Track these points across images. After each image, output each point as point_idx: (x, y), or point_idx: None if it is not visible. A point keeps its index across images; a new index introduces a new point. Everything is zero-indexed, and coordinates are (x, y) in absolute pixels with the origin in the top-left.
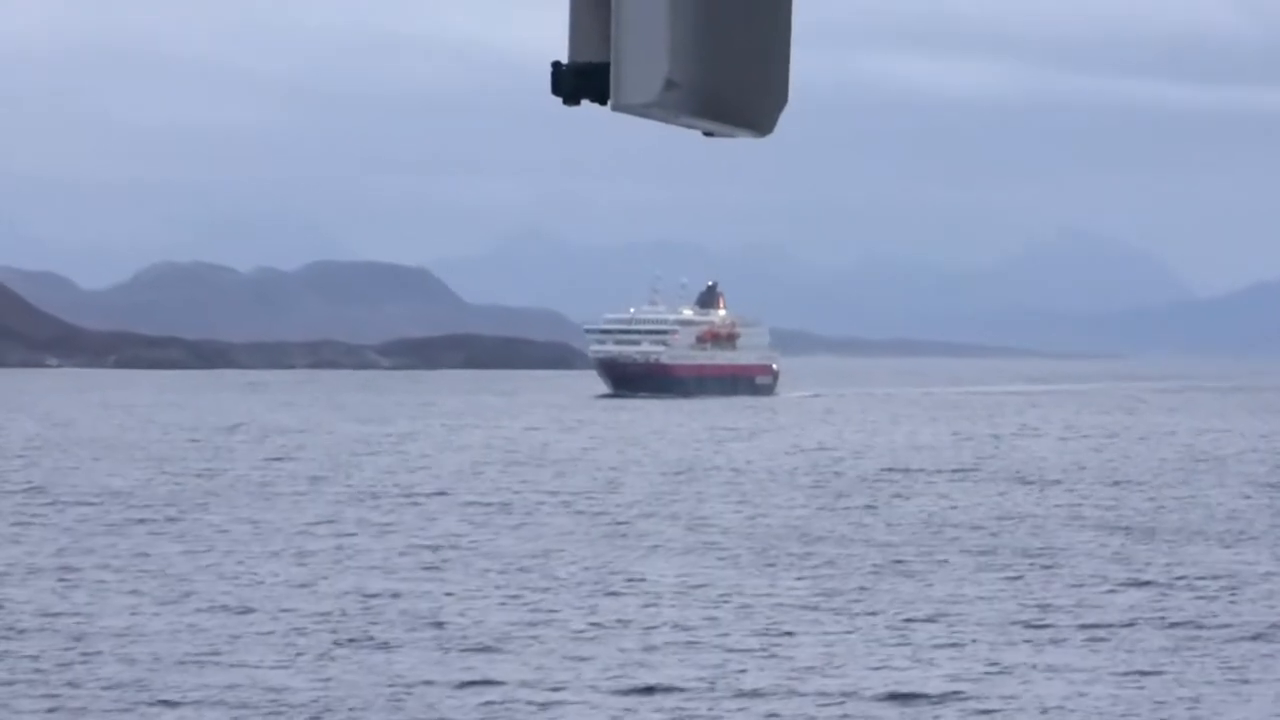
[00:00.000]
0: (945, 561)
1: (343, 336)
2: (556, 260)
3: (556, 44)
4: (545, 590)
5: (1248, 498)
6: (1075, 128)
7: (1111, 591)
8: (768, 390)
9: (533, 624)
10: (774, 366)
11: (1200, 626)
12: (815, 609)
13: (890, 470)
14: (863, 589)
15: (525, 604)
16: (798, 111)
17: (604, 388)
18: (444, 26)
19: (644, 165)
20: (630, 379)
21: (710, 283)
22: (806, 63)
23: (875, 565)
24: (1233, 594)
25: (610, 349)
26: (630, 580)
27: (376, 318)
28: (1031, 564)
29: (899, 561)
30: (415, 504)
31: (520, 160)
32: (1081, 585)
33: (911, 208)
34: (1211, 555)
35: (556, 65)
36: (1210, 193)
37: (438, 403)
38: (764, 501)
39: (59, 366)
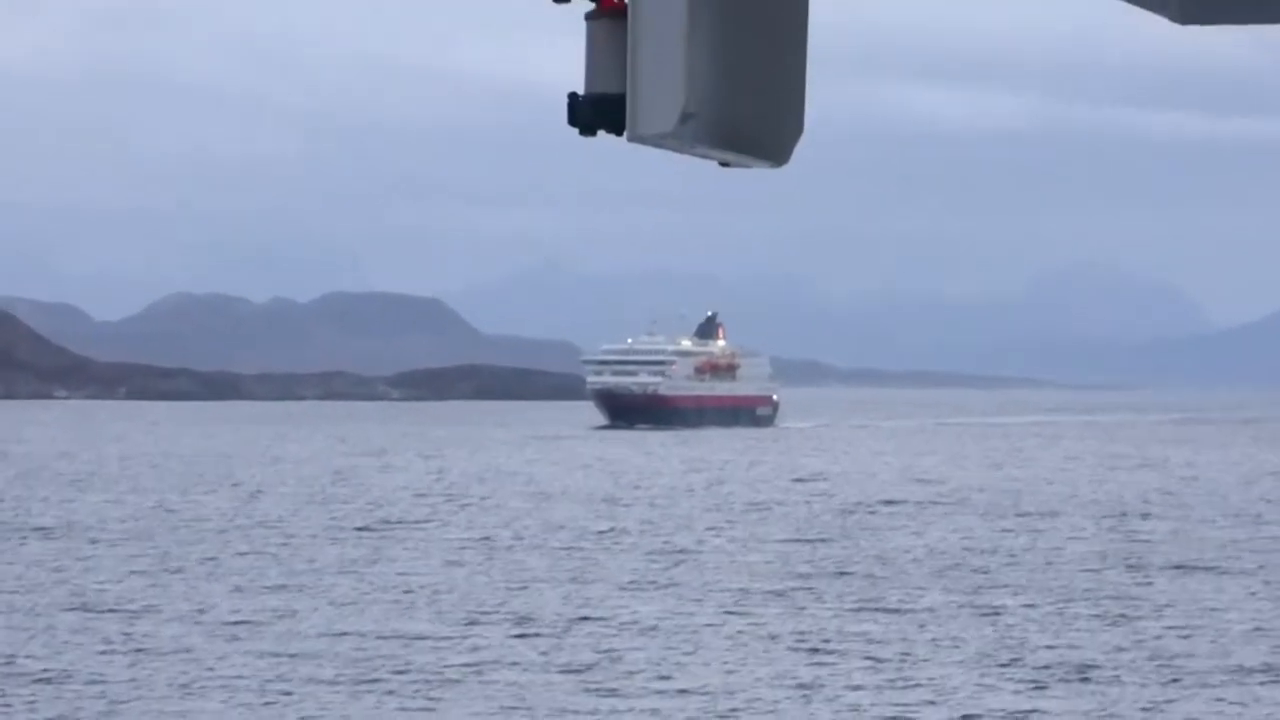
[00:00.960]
0: (921, 598)
1: (356, 367)
2: (572, 291)
3: (574, 75)
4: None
5: (1237, 530)
6: (1093, 159)
7: (1093, 629)
8: (768, 421)
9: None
10: (774, 397)
11: (1184, 664)
12: (784, 646)
13: (875, 503)
14: (834, 628)
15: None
16: (815, 142)
17: (602, 419)
18: (461, 58)
19: (660, 196)
20: (628, 410)
21: (710, 313)
22: (826, 93)
23: (847, 601)
24: (1219, 632)
25: (608, 380)
26: (515, 615)
27: (390, 349)
28: (1014, 600)
29: (869, 600)
30: (337, 538)
31: (537, 191)
32: (1066, 623)
33: (929, 239)
34: (1199, 590)
35: (573, 96)
36: (1228, 223)
37: (427, 434)
38: (728, 535)
39: (68, 398)
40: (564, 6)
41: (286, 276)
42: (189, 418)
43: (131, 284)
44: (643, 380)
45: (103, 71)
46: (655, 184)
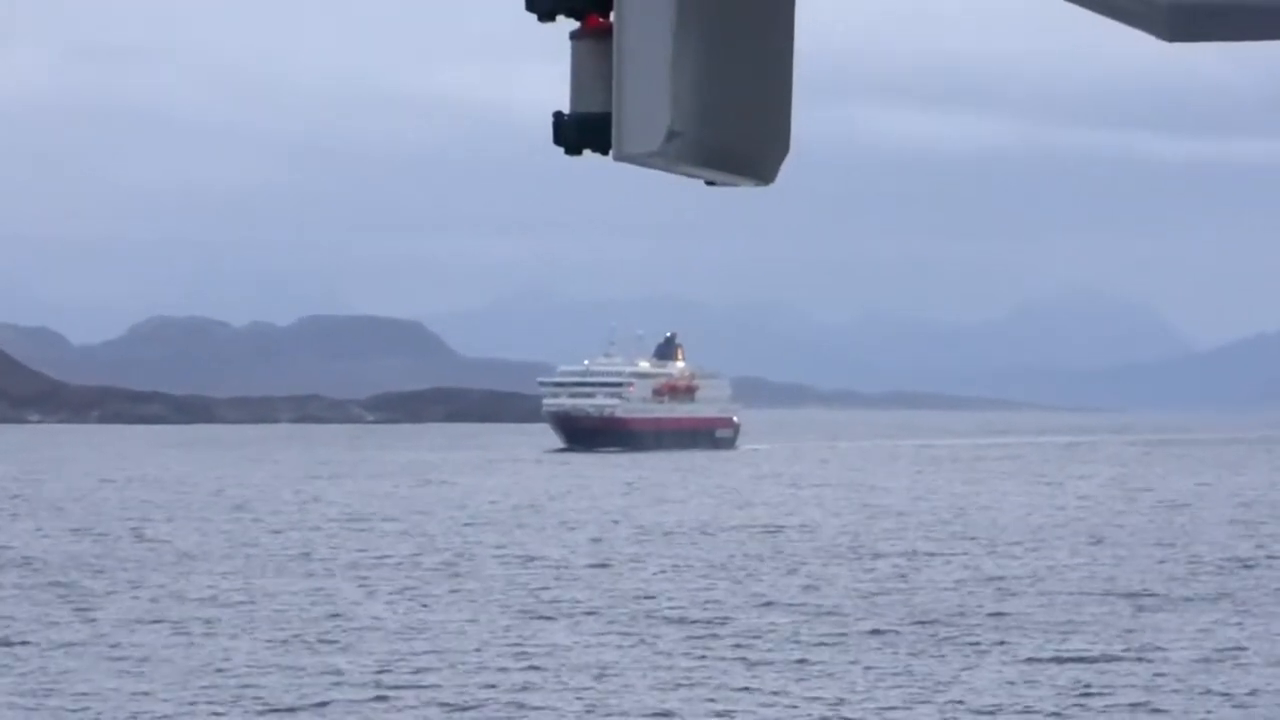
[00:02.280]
0: (859, 633)
1: (336, 391)
2: (554, 315)
3: (555, 101)
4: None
5: (1211, 556)
6: (1072, 182)
7: (1057, 664)
8: (728, 444)
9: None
10: (735, 419)
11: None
12: (700, 685)
13: (813, 531)
14: (756, 663)
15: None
16: (797, 166)
17: (558, 442)
18: (441, 84)
19: (643, 221)
20: (584, 433)
21: (669, 334)
22: (805, 116)
23: (781, 635)
24: (1206, 665)
25: (564, 402)
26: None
27: (370, 371)
28: (959, 638)
29: (800, 639)
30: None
31: (519, 217)
32: (1015, 663)
33: (910, 263)
34: (1170, 621)
35: (559, 116)
36: (1206, 246)
37: (371, 458)
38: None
39: (40, 422)
40: (549, 26)
41: (267, 301)
42: (155, 442)
43: (111, 309)
44: (599, 402)
45: (80, 103)
46: (639, 210)
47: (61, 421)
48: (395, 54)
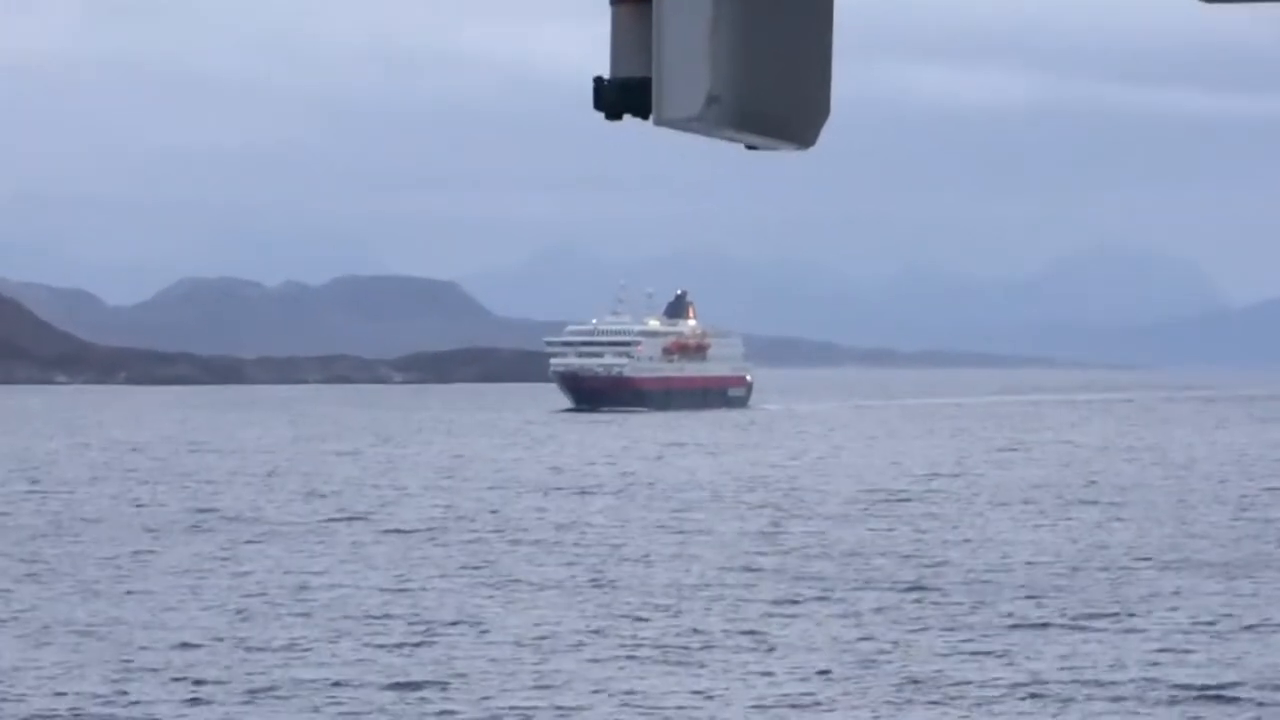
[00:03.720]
0: (844, 599)
1: (369, 351)
2: (589, 274)
3: (587, 58)
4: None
5: (1227, 519)
6: (1109, 138)
7: (1042, 637)
8: (741, 403)
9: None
10: (747, 378)
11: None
12: (672, 657)
13: (818, 492)
14: (735, 630)
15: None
16: (831, 124)
17: (566, 402)
18: (474, 41)
19: (678, 179)
20: (592, 393)
21: (679, 291)
22: (840, 75)
23: (751, 603)
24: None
25: (571, 362)
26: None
27: (404, 332)
28: (951, 602)
29: (781, 602)
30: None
31: (554, 175)
32: (1000, 632)
33: (944, 220)
34: (1171, 588)
35: (599, 81)
36: (1246, 201)
37: (381, 419)
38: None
39: (67, 384)
40: None
41: (300, 261)
42: (174, 402)
43: (145, 270)
44: (607, 362)
45: (110, 62)
46: (672, 168)
47: (88, 383)
48: (427, 11)
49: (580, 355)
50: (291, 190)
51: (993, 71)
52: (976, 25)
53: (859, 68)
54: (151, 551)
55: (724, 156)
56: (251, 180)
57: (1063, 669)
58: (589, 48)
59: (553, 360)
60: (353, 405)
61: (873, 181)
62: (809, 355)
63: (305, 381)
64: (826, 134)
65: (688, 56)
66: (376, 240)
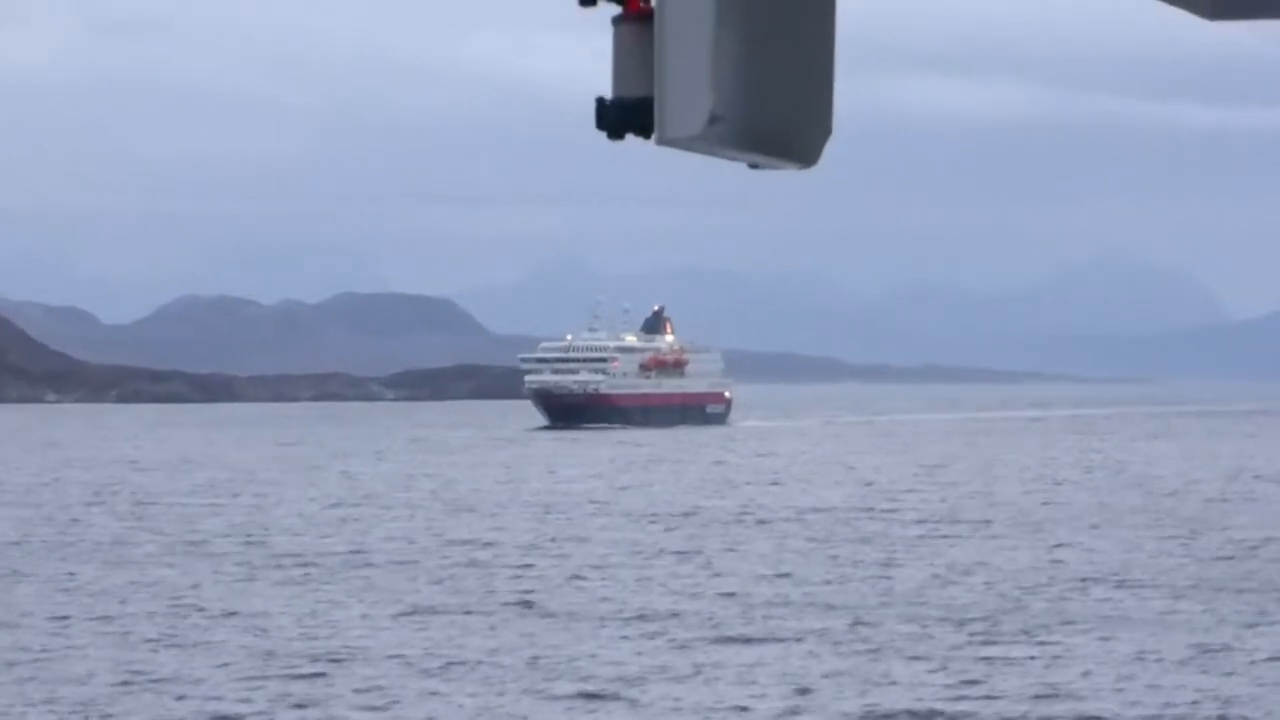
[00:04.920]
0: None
1: (366, 369)
2: (586, 289)
3: (586, 73)
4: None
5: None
6: (1107, 150)
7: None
8: (720, 420)
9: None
10: (727, 394)
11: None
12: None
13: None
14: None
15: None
16: (831, 137)
17: (541, 419)
18: (471, 57)
19: (678, 194)
20: (567, 410)
21: (656, 307)
22: (839, 87)
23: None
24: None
25: (546, 379)
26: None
27: (400, 348)
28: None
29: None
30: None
31: (551, 190)
32: (937, 668)
33: (946, 233)
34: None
35: (600, 101)
36: (1245, 214)
37: (354, 435)
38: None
39: (58, 402)
40: (590, 10)
41: (298, 278)
42: (154, 420)
43: (141, 287)
44: (583, 378)
45: (108, 77)
46: (672, 183)
47: (79, 401)
48: (425, 27)
49: (555, 372)
50: (290, 205)
51: (993, 83)
52: (976, 36)
53: (858, 80)
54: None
55: (722, 173)
56: (250, 195)
57: (964, 695)
58: (589, 62)
59: (527, 377)
60: (327, 423)
61: (872, 194)
62: (808, 370)
63: (297, 399)
64: (826, 146)
65: (689, 76)
66: (375, 255)
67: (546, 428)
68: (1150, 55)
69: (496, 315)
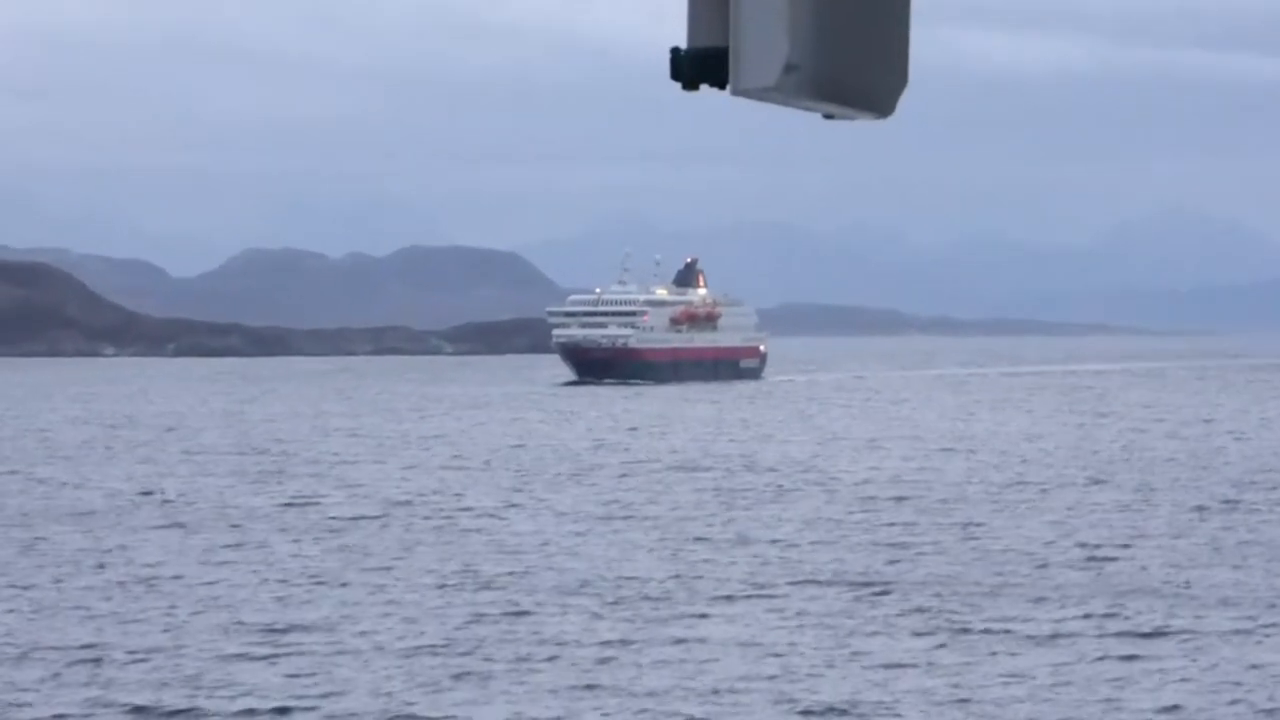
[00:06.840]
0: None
1: (429, 323)
2: (654, 245)
3: (644, 29)
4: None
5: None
6: (1173, 104)
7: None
8: (754, 374)
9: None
10: (761, 348)
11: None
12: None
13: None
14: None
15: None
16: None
17: (569, 374)
18: (531, 12)
19: (738, 149)
20: (595, 365)
21: (689, 259)
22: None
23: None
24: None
25: (574, 333)
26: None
27: (467, 303)
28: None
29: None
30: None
31: (617, 145)
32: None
33: (1008, 186)
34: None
35: (675, 51)
36: None
37: (397, 390)
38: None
39: (115, 355)
40: None
41: (364, 233)
42: (198, 375)
43: (209, 242)
44: (612, 333)
45: (171, 34)
46: (733, 138)
47: (137, 355)
48: None
49: (583, 326)
50: (356, 163)
51: (1055, 37)
52: None
53: (922, 34)
54: None
55: (785, 123)
56: (315, 153)
57: (960, 675)
58: (645, 17)
59: (555, 331)
60: (372, 377)
61: (935, 148)
62: (872, 323)
63: (354, 353)
64: (902, 97)
65: (766, 25)
66: (440, 212)
67: (574, 383)
68: (1214, 7)
69: (561, 269)
